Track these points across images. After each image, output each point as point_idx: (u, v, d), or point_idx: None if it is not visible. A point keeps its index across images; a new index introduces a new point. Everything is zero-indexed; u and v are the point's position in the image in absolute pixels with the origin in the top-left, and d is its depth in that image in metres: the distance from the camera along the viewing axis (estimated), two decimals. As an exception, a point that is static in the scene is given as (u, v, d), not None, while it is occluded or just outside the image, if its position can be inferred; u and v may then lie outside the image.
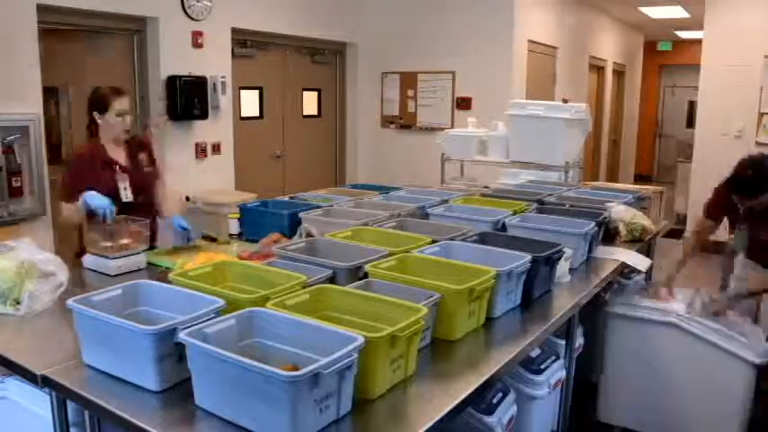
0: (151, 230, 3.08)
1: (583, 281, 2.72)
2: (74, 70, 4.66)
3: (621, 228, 3.38)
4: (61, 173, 3.15)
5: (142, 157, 3.19)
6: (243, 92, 6.06)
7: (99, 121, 3.04)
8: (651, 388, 3.08)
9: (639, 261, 3.12)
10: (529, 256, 2.31)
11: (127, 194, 3.04)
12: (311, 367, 1.36)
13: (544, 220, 3.10)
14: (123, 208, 2.93)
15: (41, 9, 4.19)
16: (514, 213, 3.13)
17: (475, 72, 6.64)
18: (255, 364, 1.39)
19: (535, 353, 2.40)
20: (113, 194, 2.94)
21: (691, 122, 10.52)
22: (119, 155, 3.11)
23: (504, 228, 2.97)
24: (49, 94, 4.45)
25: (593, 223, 2.97)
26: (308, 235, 2.80)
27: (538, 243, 2.56)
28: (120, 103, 3.03)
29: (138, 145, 3.22)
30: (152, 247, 3.06)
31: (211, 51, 5.38)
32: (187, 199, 5.26)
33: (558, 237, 2.71)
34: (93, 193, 2.80)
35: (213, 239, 3.23)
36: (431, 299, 1.91)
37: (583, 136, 4.87)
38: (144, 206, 3.11)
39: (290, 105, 6.67)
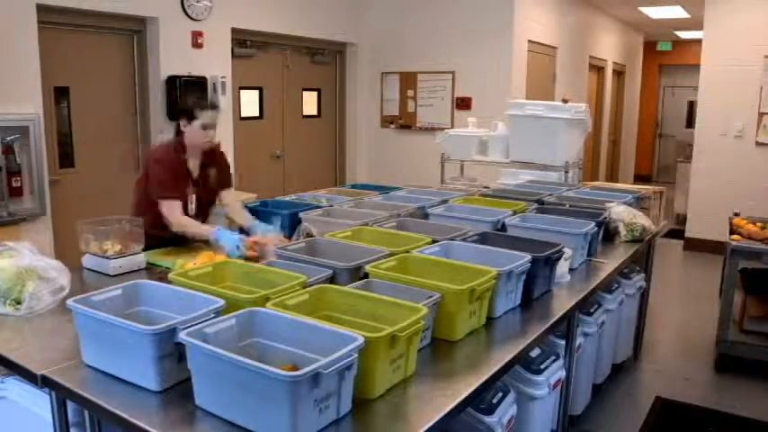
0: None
1: (583, 281, 2.72)
2: (74, 70, 4.65)
3: (621, 228, 3.38)
4: (153, 172, 3.03)
5: (211, 172, 3.18)
6: (243, 92, 6.06)
7: (184, 130, 3.04)
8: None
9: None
10: (529, 256, 2.31)
11: (192, 208, 3.10)
12: (311, 367, 1.36)
13: (544, 220, 3.10)
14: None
15: (41, 9, 4.19)
16: (514, 213, 3.13)
17: (475, 72, 6.64)
18: (255, 364, 1.39)
19: (535, 353, 2.40)
20: (184, 205, 3.01)
21: (690, 122, 10.51)
22: (194, 168, 3.12)
23: (504, 228, 2.97)
24: (50, 94, 4.46)
25: (593, 223, 2.97)
26: (308, 235, 2.80)
27: (538, 243, 2.56)
28: (207, 117, 3.02)
29: (210, 159, 3.18)
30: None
31: (211, 51, 5.38)
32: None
33: (558, 237, 2.71)
34: (223, 230, 2.83)
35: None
36: (431, 299, 1.91)
37: (583, 136, 4.87)
38: (203, 218, 3.18)
39: (289, 105, 6.67)
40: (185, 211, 3.03)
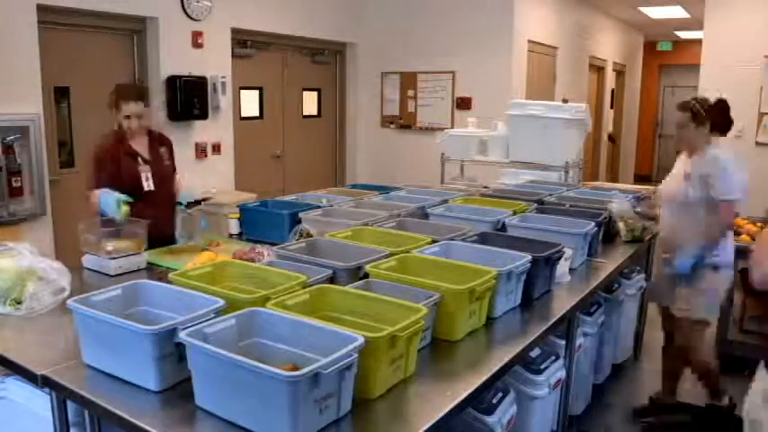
0: (171, 222, 3.15)
1: (583, 281, 2.72)
2: (74, 70, 4.65)
3: (621, 228, 3.38)
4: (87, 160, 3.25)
5: (163, 150, 3.30)
6: (243, 92, 6.06)
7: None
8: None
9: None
10: (529, 256, 2.31)
11: (149, 184, 3.16)
12: (311, 367, 1.36)
13: (544, 220, 3.10)
14: (146, 196, 3.09)
15: (41, 9, 4.19)
16: (514, 213, 3.13)
17: (475, 72, 6.63)
18: (255, 364, 1.39)
19: (535, 353, 2.40)
20: (136, 183, 3.09)
21: (691, 122, 10.48)
22: (141, 146, 3.20)
23: (504, 228, 2.97)
24: (50, 94, 4.45)
25: (593, 223, 2.97)
26: (307, 235, 2.80)
27: (538, 243, 2.56)
28: (128, 108, 3.09)
29: (159, 140, 3.33)
30: (171, 237, 3.13)
31: (211, 51, 5.37)
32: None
33: (558, 237, 2.71)
34: (106, 191, 2.89)
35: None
36: (431, 299, 1.91)
37: (583, 136, 4.87)
38: (164, 197, 3.21)
39: (289, 105, 6.66)
40: (140, 188, 3.12)
